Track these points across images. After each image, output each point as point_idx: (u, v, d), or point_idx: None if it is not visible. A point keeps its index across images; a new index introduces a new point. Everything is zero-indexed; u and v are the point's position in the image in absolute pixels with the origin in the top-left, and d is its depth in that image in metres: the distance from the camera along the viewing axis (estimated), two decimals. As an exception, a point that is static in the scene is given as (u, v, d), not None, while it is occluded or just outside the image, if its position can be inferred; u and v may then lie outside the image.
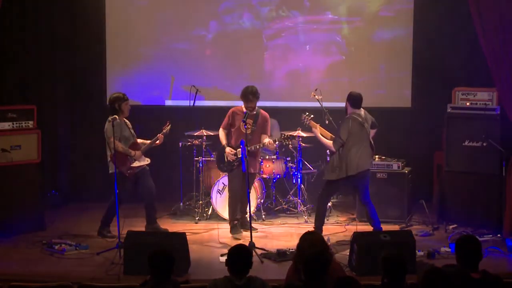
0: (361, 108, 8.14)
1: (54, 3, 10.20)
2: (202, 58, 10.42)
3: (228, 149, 8.45)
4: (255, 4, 10.28)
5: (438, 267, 4.92)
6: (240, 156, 8.26)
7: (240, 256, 5.10)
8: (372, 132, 8.27)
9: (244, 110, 8.40)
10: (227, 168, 8.53)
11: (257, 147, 8.39)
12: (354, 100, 8.11)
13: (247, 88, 8.40)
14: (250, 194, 8.24)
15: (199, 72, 10.32)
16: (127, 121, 8.42)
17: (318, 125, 8.32)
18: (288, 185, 9.77)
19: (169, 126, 8.49)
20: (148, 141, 8.48)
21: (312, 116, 8.39)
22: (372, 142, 8.18)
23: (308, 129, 9.27)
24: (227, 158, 8.45)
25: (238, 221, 8.52)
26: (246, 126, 7.97)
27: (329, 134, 8.19)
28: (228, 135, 8.59)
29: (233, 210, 8.51)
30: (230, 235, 8.44)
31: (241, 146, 8.09)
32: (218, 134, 8.69)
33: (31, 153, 8.63)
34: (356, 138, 7.99)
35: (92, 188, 10.18)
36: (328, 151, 9.23)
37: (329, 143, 8.15)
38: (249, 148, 8.14)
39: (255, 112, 8.43)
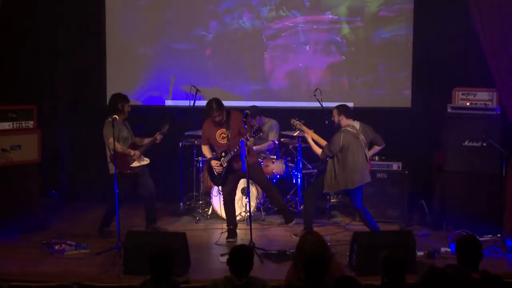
0: (357, 121, 8.14)
1: (54, 3, 10.20)
2: (202, 58, 10.42)
3: (212, 162, 8.28)
4: (255, 4, 10.27)
5: (438, 267, 4.91)
6: (225, 165, 8.16)
7: (241, 256, 5.10)
8: (377, 149, 8.27)
9: (216, 119, 8.10)
10: (220, 181, 8.37)
11: (235, 149, 8.07)
12: (347, 111, 8.13)
13: (209, 104, 8.08)
14: (251, 193, 8.22)
15: (199, 72, 10.33)
16: (125, 120, 8.40)
17: (310, 131, 8.30)
18: (288, 185, 9.77)
19: (168, 125, 8.43)
20: (147, 140, 8.47)
21: (303, 121, 8.38)
22: (368, 156, 8.17)
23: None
24: (215, 171, 8.30)
25: (235, 226, 8.44)
26: (246, 126, 7.89)
27: (323, 141, 8.19)
28: (211, 149, 8.42)
29: (229, 215, 8.42)
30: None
31: (240, 145, 7.99)
32: (202, 151, 8.52)
33: (31, 153, 8.63)
34: (351, 152, 7.98)
35: (92, 188, 10.18)
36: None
37: (318, 151, 8.15)
38: (230, 154, 8.01)
39: (224, 119, 8.11)
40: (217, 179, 8.38)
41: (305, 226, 8.34)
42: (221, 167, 8.23)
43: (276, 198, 8.55)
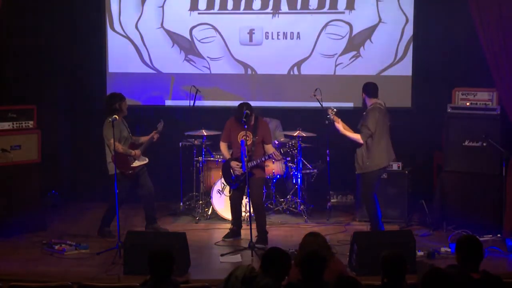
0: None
1: (54, 3, 10.19)
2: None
3: (233, 163, 8.20)
4: (254, 2, 10.25)
5: (438, 267, 4.91)
6: (247, 169, 8.03)
7: (276, 259, 5.05)
8: None
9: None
10: (235, 184, 8.29)
11: (263, 159, 8.12)
12: (373, 89, 8.13)
13: (241, 107, 8.02)
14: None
15: (199, 72, 10.33)
16: (123, 120, 8.41)
17: (340, 120, 8.26)
18: (288, 185, 9.76)
19: (162, 123, 8.47)
20: (143, 138, 8.47)
21: (335, 110, 8.33)
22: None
23: (308, 128, 9.29)
24: (234, 172, 8.23)
25: (238, 228, 8.44)
26: (246, 126, 7.90)
27: (351, 131, 8.15)
28: (229, 148, 8.37)
29: (232, 217, 8.45)
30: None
31: (240, 144, 7.99)
32: (220, 148, 8.45)
33: (31, 153, 8.63)
34: (383, 129, 8.00)
35: (92, 188, 10.17)
36: (328, 150, 9.21)
37: (356, 136, 8.06)
38: (254, 163, 7.96)
39: (252, 123, 8.09)
40: (232, 181, 8.29)
41: (371, 226, 8.26)
42: (242, 170, 8.15)
43: (260, 220, 8.16)
